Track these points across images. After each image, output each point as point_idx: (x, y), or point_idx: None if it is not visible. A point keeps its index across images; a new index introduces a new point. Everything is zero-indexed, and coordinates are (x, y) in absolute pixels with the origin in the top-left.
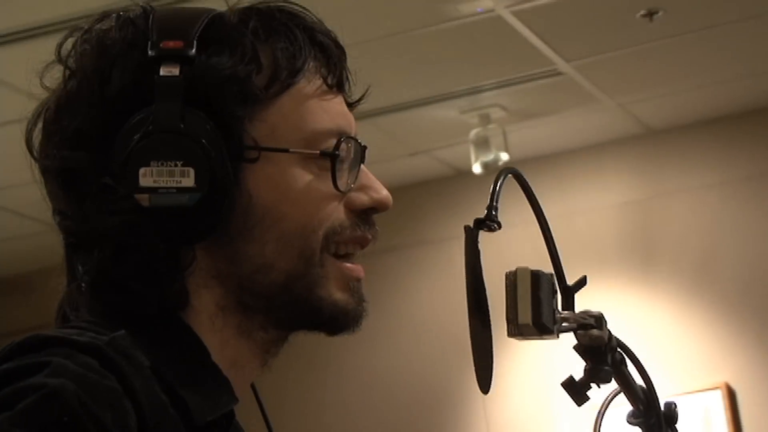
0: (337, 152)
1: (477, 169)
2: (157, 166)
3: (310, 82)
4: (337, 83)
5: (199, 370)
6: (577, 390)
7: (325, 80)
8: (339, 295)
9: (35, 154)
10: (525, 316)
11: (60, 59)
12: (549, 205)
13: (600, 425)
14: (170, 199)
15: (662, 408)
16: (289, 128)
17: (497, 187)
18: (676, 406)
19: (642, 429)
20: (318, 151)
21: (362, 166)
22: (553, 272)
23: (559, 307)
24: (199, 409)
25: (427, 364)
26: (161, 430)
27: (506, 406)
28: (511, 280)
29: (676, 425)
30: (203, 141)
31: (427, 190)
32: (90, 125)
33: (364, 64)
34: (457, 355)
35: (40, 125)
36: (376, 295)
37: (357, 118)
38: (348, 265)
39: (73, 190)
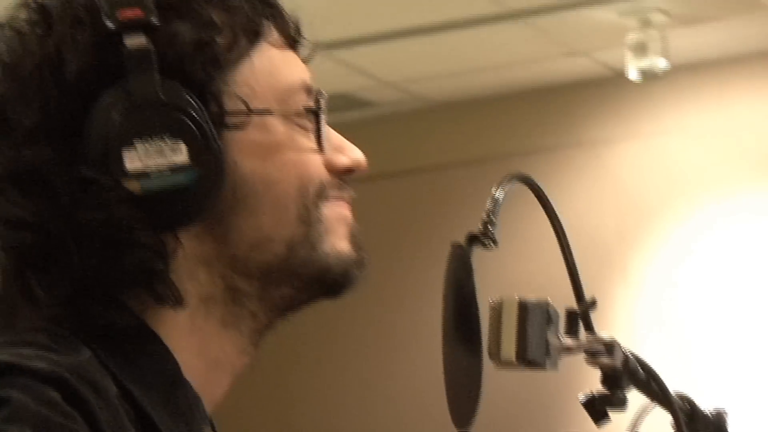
0: (320, 107)
1: (633, 75)
2: (143, 144)
3: (269, 39)
4: (293, 37)
5: (168, 390)
6: (594, 411)
7: (283, 34)
8: (342, 244)
9: None
10: (508, 351)
11: None
12: (711, 117)
13: None
14: (165, 181)
15: (710, 415)
16: (263, 89)
17: (498, 199)
18: (726, 414)
19: None
20: (303, 109)
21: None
22: (572, 285)
23: (561, 333)
24: None
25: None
26: None
27: None
28: (496, 310)
29: None
30: (190, 110)
31: (582, 91)
32: (50, 117)
33: None
34: (601, 262)
35: None
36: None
37: (513, 17)
38: (342, 202)
39: (36, 192)
